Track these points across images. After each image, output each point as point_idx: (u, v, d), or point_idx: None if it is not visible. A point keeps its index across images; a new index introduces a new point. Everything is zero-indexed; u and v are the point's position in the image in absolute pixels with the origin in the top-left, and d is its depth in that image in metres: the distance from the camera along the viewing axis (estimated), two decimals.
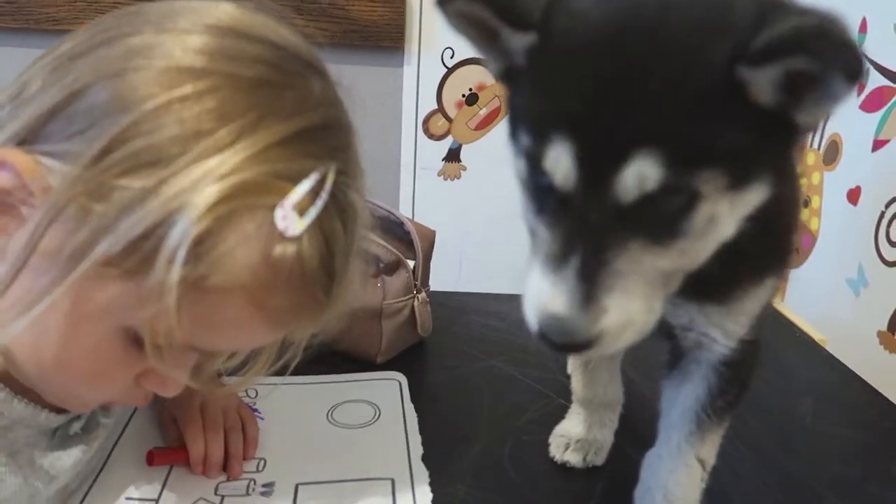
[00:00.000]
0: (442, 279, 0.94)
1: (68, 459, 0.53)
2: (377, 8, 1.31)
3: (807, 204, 1.31)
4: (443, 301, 0.94)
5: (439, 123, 1.44)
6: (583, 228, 0.38)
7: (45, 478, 0.50)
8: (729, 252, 0.41)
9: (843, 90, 0.34)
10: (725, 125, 0.36)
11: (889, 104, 1.09)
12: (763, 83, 0.35)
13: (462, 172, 1.46)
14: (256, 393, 0.72)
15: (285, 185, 0.41)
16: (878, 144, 1.12)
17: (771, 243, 0.47)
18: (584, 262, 0.37)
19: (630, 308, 0.39)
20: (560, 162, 0.37)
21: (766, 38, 0.34)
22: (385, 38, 1.34)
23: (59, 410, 0.51)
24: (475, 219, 1.41)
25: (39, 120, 0.40)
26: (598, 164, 0.36)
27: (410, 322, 0.82)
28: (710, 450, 0.53)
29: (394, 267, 0.81)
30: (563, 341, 0.39)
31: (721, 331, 0.49)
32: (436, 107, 1.44)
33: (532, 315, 0.40)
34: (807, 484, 0.65)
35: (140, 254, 0.38)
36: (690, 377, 0.52)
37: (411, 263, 0.82)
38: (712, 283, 0.45)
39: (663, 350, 0.56)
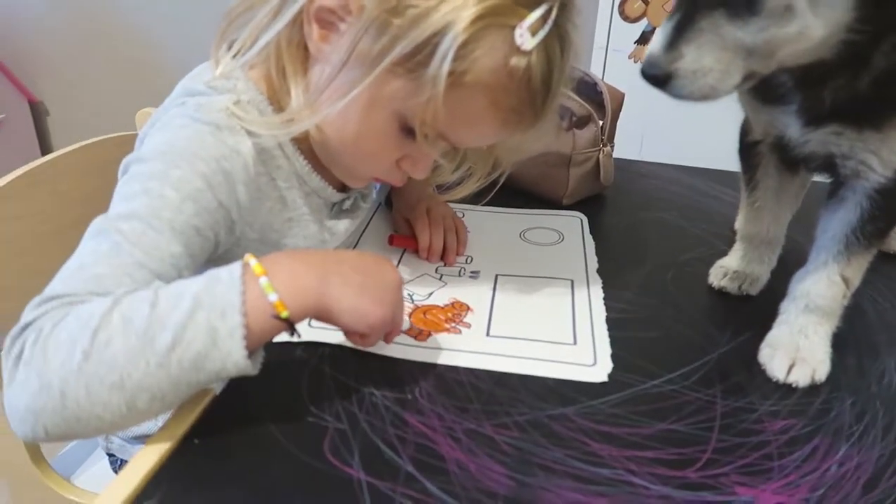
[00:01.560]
0: (624, 147, 1.04)
1: (340, 227, 0.72)
2: None
3: None
4: (624, 166, 1.05)
5: (636, 5, 1.48)
6: (684, 2, 0.49)
7: (328, 234, 0.71)
8: (879, 77, 0.48)
9: None
10: None
11: None
12: None
13: None
14: (463, 214, 0.89)
15: (524, 11, 0.54)
16: None
17: None
18: (681, 19, 0.49)
19: (702, 60, 0.49)
20: None
21: None
22: None
23: (339, 190, 0.70)
24: (657, 103, 1.45)
25: None
26: None
27: (594, 172, 0.94)
28: (855, 271, 0.61)
29: (585, 121, 0.93)
30: (647, 71, 0.51)
31: (878, 158, 0.56)
32: None
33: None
34: None
35: (422, 55, 0.53)
36: (845, 203, 0.60)
37: (601, 121, 0.93)
38: (869, 111, 0.53)
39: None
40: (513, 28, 0.54)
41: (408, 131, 0.59)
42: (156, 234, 0.52)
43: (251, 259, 0.49)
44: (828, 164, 0.60)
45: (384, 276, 0.55)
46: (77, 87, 1.93)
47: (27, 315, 0.48)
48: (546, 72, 0.57)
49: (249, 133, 0.59)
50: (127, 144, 0.90)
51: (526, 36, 0.54)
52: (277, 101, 0.62)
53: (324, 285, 0.51)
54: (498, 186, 0.75)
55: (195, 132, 0.57)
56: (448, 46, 0.52)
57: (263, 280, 0.48)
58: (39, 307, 0.48)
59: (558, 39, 0.57)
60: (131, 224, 0.52)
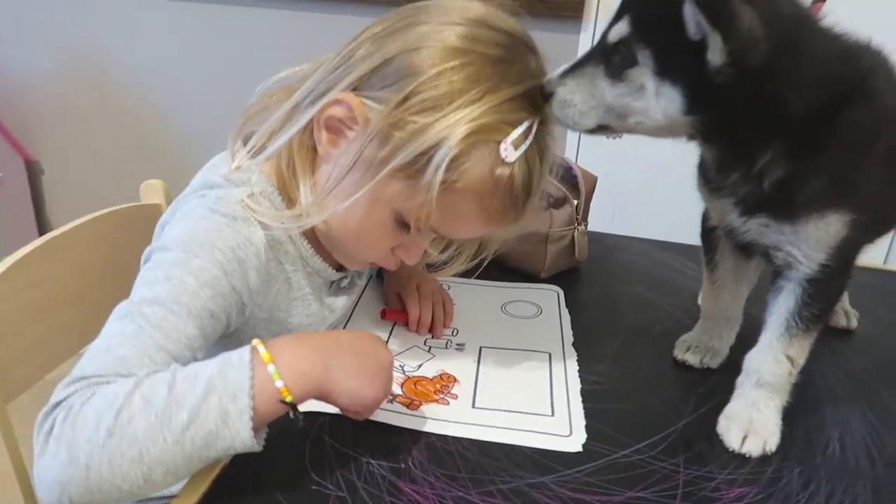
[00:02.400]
0: (597, 222, 1.12)
1: (339, 303, 0.79)
2: None
3: None
4: (598, 239, 1.13)
5: None
6: (594, 48, 0.64)
7: (328, 310, 0.77)
8: (779, 181, 0.61)
9: (713, 51, 0.55)
10: (670, 36, 0.57)
11: None
12: (691, 21, 0.56)
13: (624, 134, 1.60)
14: (449, 287, 0.96)
15: (508, 128, 0.62)
16: None
17: (827, 184, 0.62)
18: (582, 59, 0.64)
19: (573, 95, 0.64)
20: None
21: None
22: (566, 9, 1.51)
23: (337, 270, 0.77)
24: (631, 173, 1.55)
25: (365, 76, 0.64)
26: (613, 17, 0.62)
27: (570, 248, 1.02)
28: (798, 351, 0.69)
29: (561, 202, 1.01)
30: (544, 86, 0.65)
31: (799, 251, 0.65)
32: None
33: None
34: (891, 404, 0.77)
35: (419, 164, 0.61)
36: (784, 290, 0.68)
37: (575, 201, 1.02)
38: (783, 205, 0.63)
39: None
40: (498, 142, 0.62)
41: (403, 225, 0.67)
42: (175, 319, 0.58)
43: (259, 345, 0.55)
44: (766, 253, 0.68)
45: (378, 356, 0.61)
46: (76, 150, 1.99)
47: (58, 393, 0.54)
48: (527, 179, 0.65)
49: (262, 224, 0.66)
50: (135, 216, 0.98)
51: (510, 150, 0.62)
52: (287, 193, 0.70)
53: (325, 370, 0.57)
54: (484, 265, 0.82)
55: (214, 224, 0.64)
56: (442, 159, 0.60)
57: (271, 367, 0.55)
58: (69, 387, 0.54)
59: (538, 151, 0.65)
60: (153, 309, 0.58)
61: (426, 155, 0.60)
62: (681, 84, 0.59)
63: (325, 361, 0.57)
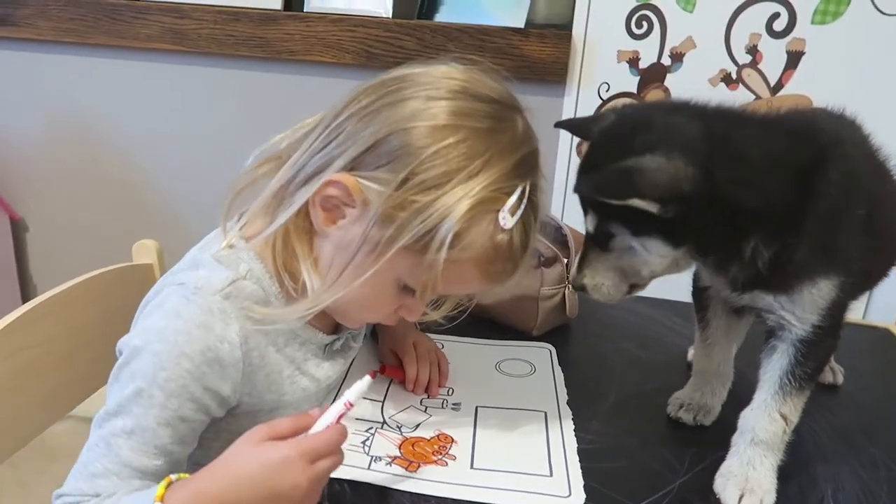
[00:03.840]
0: None
1: (334, 369, 0.79)
2: (546, 48, 1.55)
3: None
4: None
5: None
6: (585, 244, 0.74)
7: (324, 379, 0.77)
8: (770, 261, 0.65)
9: (645, 207, 0.63)
10: (621, 209, 0.64)
11: None
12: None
13: None
14: (443, 346, 0.96)
15: (504, 197, 0.64)
16: None
17: (814, 254, 0.65)
18: (584, 252, 0.74)
19: (596, 278, 0.73)
20: None
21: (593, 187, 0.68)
22: (550, 73, 1.57)
23: (330, 333, 0.77)
24: None
25: (358, 156, 0.64)
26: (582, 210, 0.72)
27: (561, 306, 1.04)
28: (791, 409, 0.70)
29: (551, 261, 1.03)
30: (573, 285, 0.76)
31: (793, 315, 0.68)
32: None
33: None
34: (880, 459, 0.78)
35: (423, 241, 0.62)
36: (777, 350, 0.70)
37: (566, 260, 1.04)
38: (776, 279, 0.66)
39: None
40: (497, 211, 0.63)
41: (407, 289, 0.68)
42: (141, 433, 0.63)
43: (157, 503, 0.57)
44: (759, 314, 0.70)
45: (281, 485, 0.57)
46: (62, 209, 1.99)
47: None
48: (524, 239, 0.67)
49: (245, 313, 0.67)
50: (127, 276, 0.98)
51: (507, 218, 0.64)
52: (281, 274, 0.69)
53: None
54: (466, 313, 0.83)
55: (184, 325, 0.64)
56: (445, 235, 0.61)
57: None
58: (55, 501, 0.62)
59: (532, 210, 0.67)
60: (124, 422, 0.63)
61: (430, 233, 0.62)
62: (656, 235, 0.66)
63: None
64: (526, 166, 0.66)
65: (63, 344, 0.87)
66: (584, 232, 1.05)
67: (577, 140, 1.64)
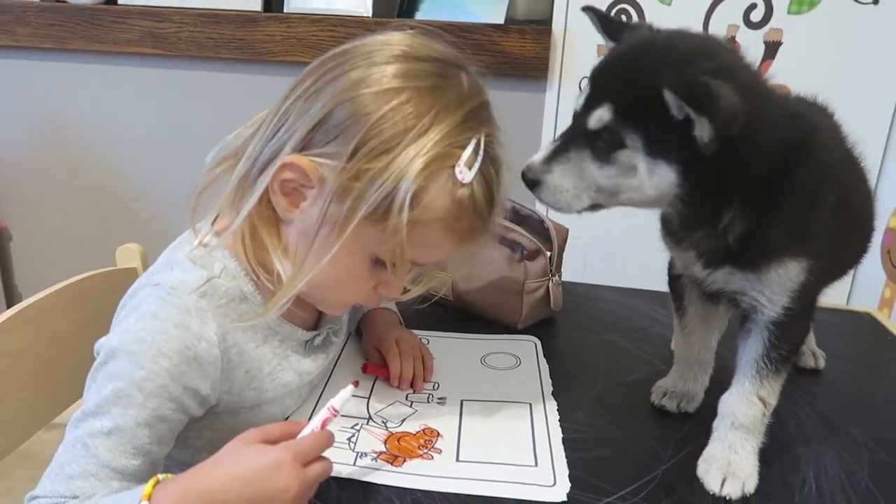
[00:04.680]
0: (570, 273, 1.15)
1: (315, 364, 0.79)
2: (527, 44, 1.55)
3: None
4: (571, 289, 1.15)
5: None
6: (570, 132, 0.66)
7: (305, 374, 0.77)
8: (741, 235, 0.65)
9: (700, 131, 0.59)
10: (654, 118, 0.61)
11: None
12: (673, 105, 0.59)
13: None
14: (428, 341, 0.96)
15: (458, 151, 0.63)
16: None
17: (785, 235, 0.66)
18: (562, 143, 0.66)
19: (563, 181, 0.66)
20: (579, 96, 0.66)
21: (671, 83, 0.58)
22: (532, 69, 1.57)
23: (310, 329, 0.77)
24: (600, 224, 1.59)
25: (307, 136, 0.64)
26: (587, 104, 0.65)
27: (545, 299, 1.04)
28: (769, 392, 0.71)
29: (534, 254, 1.04)
30: (525, 174, 0.67)
31: (763, 296, 0.68)
32: None
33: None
34: (860, 441, 0.79)
35: (383, 207, 0.61)
36: (752, 333, 0.71)
37: (548, 253, 1.04)
38: (745, 256, 0.66)
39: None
40: (453, 167, 0.63)
41: (380, 263, 0.67)
42: (120, 434, 0.62)
43: (144, 501, 0.56)
44: (732, 298, 0.71)
45: (271, 487, 0.57)
46: (45, 216, 1.98)
47: None
48: (487, 192, 0.66)
49: (223, 310, 0.67)
50: (111, 281, 0.98)
51: (465, 171, 0.63)
52: (256, 268, 0.69)
53: None
54: (447, 286, 0.83)
55: (161, 324, 0.64)
56: (404, 197, 0.61)
57: None
58: None
59: (491, 162, 0.66)
60: (102, 423, 0.62)
61: (388, 197, 0.61)
62: (672, 160, 0.62)
63: None
64: (476, 119, 0.65)
65: (46, 350, 0.87)
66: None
67: (560, 131, 1.64)
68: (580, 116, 0.65)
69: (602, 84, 0.65)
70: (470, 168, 0.64)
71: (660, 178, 0.63)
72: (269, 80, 1.69)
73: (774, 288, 0.67)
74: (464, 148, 0.64)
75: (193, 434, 0.71)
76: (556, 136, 0.69)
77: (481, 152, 0.65)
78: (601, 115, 0.63)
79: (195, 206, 0.71)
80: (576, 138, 0.66)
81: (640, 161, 0.63)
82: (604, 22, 0.72)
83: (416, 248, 0.65)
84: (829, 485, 0.71)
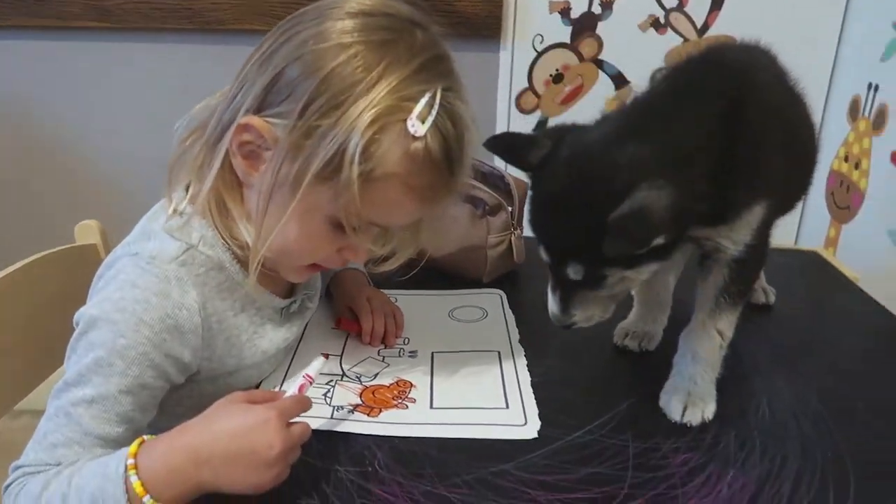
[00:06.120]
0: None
1: (291, 330, 0.80)
2: (479, 3, 1.56)
3: (858, 166, 1.45)
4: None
5: (530, 100, 1.67)
6: (559, 280, 0.71)
7: (282, 340, 0.78)
8: (717, 197, 0.66)
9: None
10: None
11: None
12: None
13: None
14: (396, 299, 0.98)
15: (410, 104, 0.62)
16: None
17: (749, 184, 0.68)
18: (563, 294, 0.71)
19: (587, 313, 0.72)
20: (540, 249, 0.71)
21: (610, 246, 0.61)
22: (485, 29, 1.58)
23: (286, 297, 0.78)
24: None
25: (260, 96, 0.64)
26: (554, 261, 0.69)
27: (508, 253, 1.07)
28: (726, 325, 0.75)
29: (496, 209, 1.06)
30: (558, 324, 0.73)
31: (729, 240, 0.71)
32: (527, 85, 1.66)
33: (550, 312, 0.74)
34: (809, 368, 0.85)
35: (334, 164, 0.60)
36: (712, 271, 0.74)
37: (510, 208, 1.07)
38: (717, 214, 0.69)
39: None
40: (404, 121, 0.62)
41: (340, 226, 0.67)
42: (103, 401, 0.63)
43: (129, 458, 0.58)
44: (696, 241, 0.74)
45: (257, 442, 0.58)
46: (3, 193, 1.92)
47: (9, 477, 0.62)
48: (444, 148, 0.64)
49: (202, 278, 0.68)
50: (71, 257, 0.96)
51: (417, 125, 0.62)
52: (226, 237, 0.70)
53: (197, 472, 0.58)
54: (419, 267, 0.85)
55: (142, 293, 0.64)
56: (353, 151, 0.60)
57: (134, 479, 0.57)
58: (12, 473, 0.62)
59: (448, 118, 0.64)
60: (84, 392, 0.63)
61: (339, 154, 0.60)
62: (649, 259, 0.66)
63: (196, 465, 0.58)
64: (430, 72, 0.64)
65: (4, 332, 0.85)
66: (526, 182, 1.09)
67: (516, 92, 1.66)
68: (555, 267, 0.69)
69: (552, 238, 0.69)
70: (423, 121, 0.62)
71: (648, 270, 0.68)
72: (221, 50, 1.65)
73: (742, 231, 0.71)
74: (416, 101, 0.62)
75: (172, 401, 0.72)
76: (550, 283, 0.74)
77: (436, 106, 0.63)
78: (575, 271, 0.67)
79: (169, 181, 0.71)
80: (569, 283, 0.69)
81: (626, 273, 0.67)
82: (510, 159, 0.75)
83: (373, 206, 0.64)
84: (781, 410, 0.76)
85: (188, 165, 0.70)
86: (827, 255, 1.22)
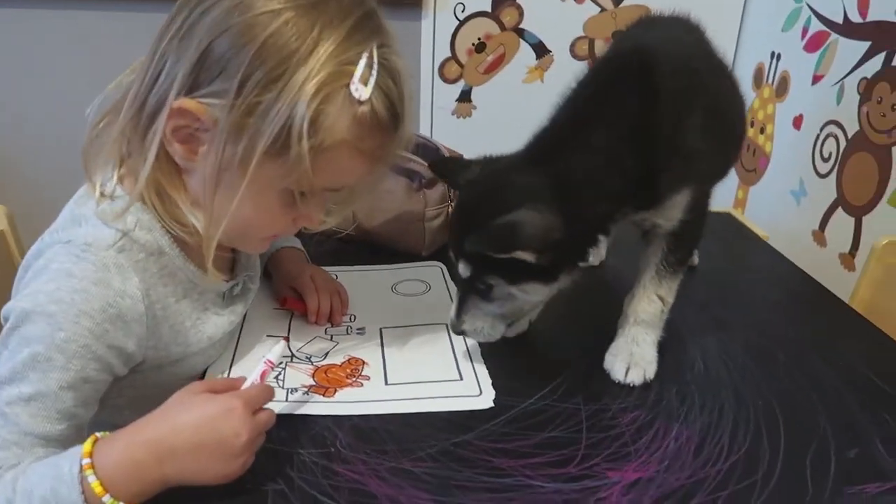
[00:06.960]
0: None
1: (235, 312, 0.78)
2: None
3: (763, 131, 1.55)
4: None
5: (452, 69, 1.67)
6: (461, 284, 0.75)
7: (227, 322, 0.76)
8: (644, 190, 0.71)
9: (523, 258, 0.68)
10: (498, 259, 0.69)
11: (825, 45, 1.32)
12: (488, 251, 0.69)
13: (473, 111, 1.69)
14: (337, 276, 0.97)
15: (351, 68, 0.60)
16: (816, 79, 1.35)
17: (674, 169, 0.72)
18: (460, 299, 0.75)
19: (475, 324, 0.75)
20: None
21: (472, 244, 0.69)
22: None
23: (227, 278, 0.76)
24: (485, 151, 1.64)
25: (189, 75, 0.60)
26: (455, 258, 0.74)
27: (446, 225, 1.07)
28: (666, 291, 0.79)
29: (433, 182, 1.06)
30: (453, 329, 0.77)
31: (664, 218, 0.76)
32: (449, 55, 1.66)
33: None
34: (734, 323, 0.91)
35: (281, 139, 0.58)
36: (652, 243, 0.78)
37: None
38: (647, 201, 0.73)
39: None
40: (347, 86, 0.60)
41: (293, 197, 0.66)
42: (42, 399, 0.59)
43: (85, 458, 0.54)
44: (636, 224, 0.78)
45: (223, 432, 0.57)
46: None
47: None
48: (389, 105, 0.63)
49: (141, 264, 0.65)
50: None
51: (360, 88, 0.61)
52: (168, 222, 0.66)
53: (159, 466, 0.55)
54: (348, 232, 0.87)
55: (80, 283, 0.61)
56: (301, 124, 0.58)
57: (92, 479, 0.54)
58: None
59: (388, 74, 0.63)
60: (20, 390, 0.59)
61: (285, 129, 0.58)
62: (530, 278, 0.71)
63: (158, 459, 0.56)
64: (365, 30, 0.62)
65: None
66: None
67: (439, 61, 1.65)
68: (455, 268, 0.75)
69: (454, 240, 0.75)
70: (366, 84, 0.60)
71: (535, 291, 0.73)
72: (130, 16, 1.55)
73: (674, 211, 0.74)
74: (355, 64, 0.60)
75: (113, 393, 0.68)
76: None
77: (375, 65, 0.61)
78: (463, 270, 0.73)
79: (86, 165, 0.67)
80: (466, 288, 0.75)
81: (512, 290, 0.72)
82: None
83: (326, 175, 0.63)
84: (713, 363, 0.81)
85: (107, 148, 0.66)
86: (738, 215, 1.29)
